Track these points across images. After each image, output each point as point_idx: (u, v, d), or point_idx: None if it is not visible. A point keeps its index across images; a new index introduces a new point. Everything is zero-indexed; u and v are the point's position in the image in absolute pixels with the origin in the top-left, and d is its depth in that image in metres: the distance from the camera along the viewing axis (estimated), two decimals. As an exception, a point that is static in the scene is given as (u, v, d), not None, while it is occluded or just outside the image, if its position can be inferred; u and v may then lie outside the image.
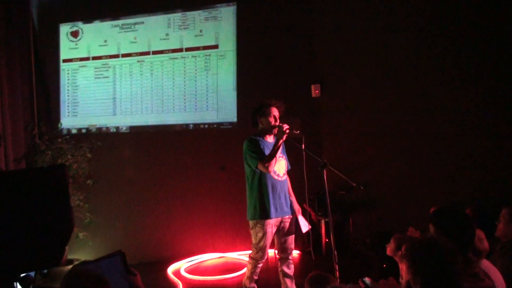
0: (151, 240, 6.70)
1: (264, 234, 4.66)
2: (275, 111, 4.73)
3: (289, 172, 4.90)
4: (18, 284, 2.13)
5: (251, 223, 4.78)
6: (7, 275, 2.08)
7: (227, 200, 6.72)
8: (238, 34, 6.90)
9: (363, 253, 5.55)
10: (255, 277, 4.88)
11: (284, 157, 4.85)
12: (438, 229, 2.84)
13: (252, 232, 4.78)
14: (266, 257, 4.81)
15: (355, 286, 2.00)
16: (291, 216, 4.83)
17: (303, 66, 6.86)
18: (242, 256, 6.67)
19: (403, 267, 4.11)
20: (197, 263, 6.62)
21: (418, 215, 4.69)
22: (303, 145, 4.62)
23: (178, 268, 6.37)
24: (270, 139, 4.76)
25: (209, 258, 6.77)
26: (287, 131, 4.53)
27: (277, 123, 4.69)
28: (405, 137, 6.23)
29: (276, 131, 4.63)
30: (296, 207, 4.88)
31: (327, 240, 6.39)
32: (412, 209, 5.64)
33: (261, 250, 4.71)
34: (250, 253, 4.86)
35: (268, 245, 4.73)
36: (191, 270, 6.33)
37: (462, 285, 2.34)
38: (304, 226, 4.86)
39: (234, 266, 6.40)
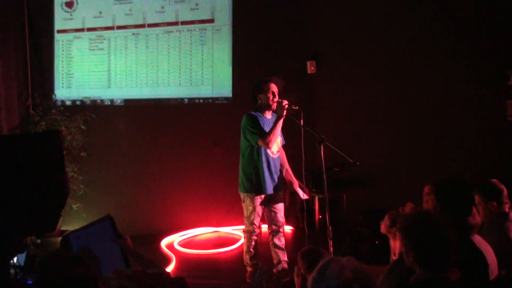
0: (145, 213, 6.71)
1: (254, 207, 4.77)
2: (273, 87, 4.75)
3: (284, 148, 4.93)
4: (13, 248, 2.13)
5: (242, 196, 4.89)
6: (3, 239, 2.08)
7: (220, 175, 6.72)
8: (234, 9, 6.84)
9: (356, 229, 5.57)
10: (252, 250, 4.93)
11: (280, 133, 4.87)
12: (439, 201, 2.86)
13: (243, 205, 4.88)
14: (259, 230, 4.91)
15: (351, 258, 1.99)
16: (282, 191, 4.90)
17: (299, 42, 6.83)
18: (235, 230, 6.70)
19: (395, 244, 4.14)
20: (190, 237, 6.65)
21: (412, 192, 4.72)
22: (301, 121, 4.62)
23: (172, 241, 6.39)
24: (269, 115, 4.80)
25: (203, 232, 6.80)
26: (286, 106, 4.55)
27: (276, 99, 4.70)
28: (401, 114, 6.24)
29: (275, 107, 4.64)
30: (294, 179, 4.93)
31: (320, 216, 6.43)
32: (406, 186, 5.66)
33: (253, 223, 4.81)
34: (243, 227, 4.92)
35: (258, 218, 4.84)
36: (184, 244, 6.36)
37: (453, 259, 2.36)
38: (303, 195, 4.91)
39: (227, 241, 6.45)
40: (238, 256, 5.92)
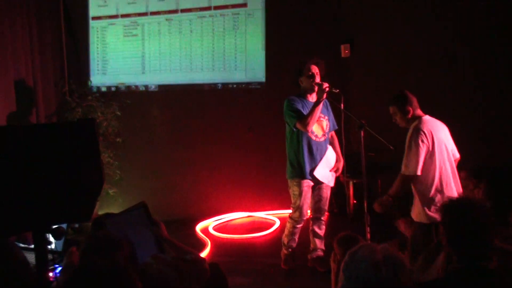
0: (179, 198, 6.76)
1: (300, 193, 4.71)
2: (314, 68, 4.68)
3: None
4: (50, 235, 2.16)
5: (288, 182, 4.84)
6: (40, 226, 2.11)
7: (255, 160, 6.73)
8: (267, -8, 6.79)
9: (391, 216, 5.52)
10: (295, 238, 4.93)
11: (326, 117, 4.82)
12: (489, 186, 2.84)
13: (290, 191, 4.84)
14: (304, 218, 4.84)
15: (388, 245, 1.98)
16: None
17: (332, 25, 6.74)
18: (269, 215, 6.71)
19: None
20: (225, 221, 6.69)
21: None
22: (342, 105, 4.58)
23: (206, 226, 6.44)
24: (312, 98, 4.72)
25: (237, 217, 6.83)
26: (327, 89, 4.49)
27: (317, 81, 4.63)
28: (435, 97, 6.10)
29: (316, 90, 4.58)
30: (337, 165, 4.92)
31: (355, 201, 6.38)
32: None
33: (298, 210, 4.76)
34: (290, 213, 4.90)
35: (305, 205, 4.76)
36: (219, 229, 6.40)
37: (493, 246, 2.32)
38: (326, 179, 4.83)
39: (261, 225, 6.46)
40: (272, 241, 5.94)
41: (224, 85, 6.95)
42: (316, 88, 4.58)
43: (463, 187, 4.45)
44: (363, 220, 4.39)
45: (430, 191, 3.94)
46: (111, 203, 6.63)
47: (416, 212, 4.04)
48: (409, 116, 4.05)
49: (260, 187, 6.69)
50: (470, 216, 2.36)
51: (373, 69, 6.55)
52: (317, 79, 4.64)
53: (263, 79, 6.81)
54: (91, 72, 7.22)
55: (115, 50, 7.23)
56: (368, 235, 4.51)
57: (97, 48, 7.26)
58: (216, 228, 6.39)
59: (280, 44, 6.70)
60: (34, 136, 2.07)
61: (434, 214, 3.85)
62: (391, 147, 4.63)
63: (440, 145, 3.98)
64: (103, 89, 7.17)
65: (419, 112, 4.10)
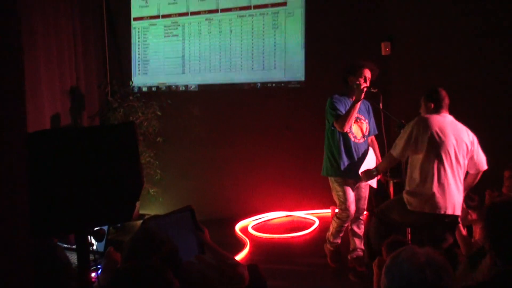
0: (219, 197, 6.80)
1: (344, 192, 4.69)
2: (367, 72, 4.65)
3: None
4: (92, 237, 2.20)
5: (329, 179, 4.84)
6: (81, 229, 2.15)
7: (294, 159, 6.72)
8: (307, -9, 6.76)
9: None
10: (340, 235, 4.94)
11: (366, 120, 4.80)
12: None
13: (333, 192, 4.84)
14: (351, 217, 4.80)
15: (429, 249, 1.96)
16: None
17: (373, 23, 6.66)
18: (309, 215, 6.69)
19: (476, 229, 4.02)
20: (264, 221, 6.69)
21: (491, 177, 4.54)
22: (380, 104, 4.55)
23: (246, 225, 6.46)
24: None
25: (276, 216, 6.82)
26: (365, 89, 4.46)
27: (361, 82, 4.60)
28: (476, 97, 5.96)
29: (355, 88, 4.56)
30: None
31: (395, 201, 6.30)
32: (485, 171, 5.45)
33: (347, 211, 4.73)
34: (337, 212, 4.89)
35: (352, 205, 4.73)
36: (258, 228, 6.41)
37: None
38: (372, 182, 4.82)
39: (300, 225, 6.45)
40: (311, 241, 5.93)
41: (263, 84, 6.95)
42: (355, 87, 4.56)
43: (507, 186, 4.39)
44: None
45: (415, 182, 4.08)
46: (152, 202, 6.73)
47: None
48: (430, 110, 4.18)
49: (299, 187, 6.67)
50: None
51: (414, 68, 6.45)
52: (367, 84, 4.61)
53: (302, 78, 6.78)
54: (133, 73, 7.34)
55: (156, 50, 7.32)
56: (409, 236, 4.48)
57: (139, 48, 7.36)
58: (255, 228, 6.40)
59: (319, 43, 6.67)
60: (76, 140, 2.11)
61: (416, 203, 4.04)
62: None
63: (442, 143, 4.00)
64: (144, 89, 7.27)
65: (442, 111, 4.18)
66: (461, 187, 4.09)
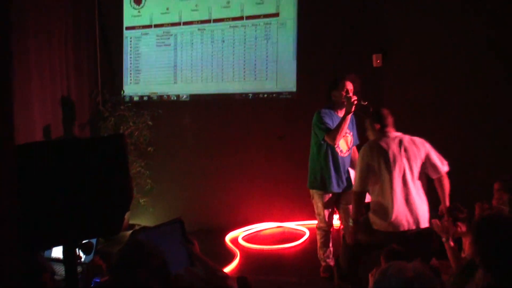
0: (209, 208, 6.78)
1: (323, 204, 4.75)
2: (348, 85, 4.71)
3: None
4: (80, 250, 2.19)
5: (311, 192, 4.89)
6: (69, 242, 2.14)
7: (285, 170, 6.71)
8: (299, 2, 6.77)
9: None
10: (330, 248, 4.97)
11: (351, 133, 4.86)
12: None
13: (313, 202, 4.90)
14: (331, 226, 4.90)
15: (418, 261, 1.96)
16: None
17: (364, 35, 6.68)
18: (300, 226, 6.67)
19: (465, 241, 4.02)
20: (254, 232, 6.67)
21: (481, 189, 4.56)
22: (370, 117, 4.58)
23: (236, 236, 6.44)
24: (341, 113, 4.74)
25: (267, 227, 6.80)
26: (355, 102, 4.50)
27: (348, 95, 4.64)
28: (470, 109, 6.00)
29: (345, 103, 4.60)
30: None
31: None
32: (475, 183, 5.47)
33: (323, 220, 4.82)
34: (316, 224, 4.97)
35: (327, 214, 4.83)
36: (248, 239, 6.39)
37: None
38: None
39: (291, 236, 6.42)
40: (302, 252, 5.92)
41: (255, 94, 6.95)
42: (345, 101, 4.60)
43: (496, 199, 4.42)
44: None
45: (379, 203, 4.10)
46: (142, 212, 6.70)
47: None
48: (377, 131, 4.22)
49: (290, 197, 6.66)
50: (503, 232, 2.32)
51: (405, 80, 6.47)
52: (350, 95, 4.65)
53: (294, 89, 6.79)
54: (124, 82, 7.32)
55: (148, 59, 7.32)
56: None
57: (130, 57, 7.36)
58: (245, 239, 6.38)
59: (311, 54, 6.67)
60: (63, 152, 2.09)
61: (380, 223, 4.06)
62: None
63: (395, 162, 4.04)
64: (136, 98, 7.26)
65: (388, 129, 4.23)
66: (424, 198, 4.16)
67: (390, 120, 4.25)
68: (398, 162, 4.04)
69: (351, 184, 4.81)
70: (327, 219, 4.84)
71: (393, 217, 3.99)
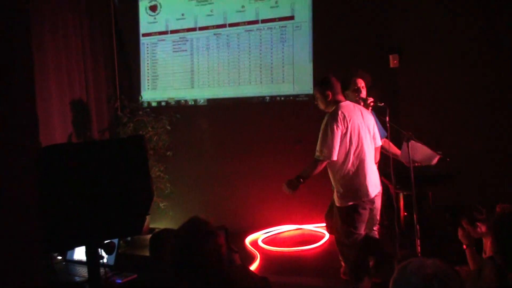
0: (229, 211, 6.79)
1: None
2: (360, 82, 4.67)
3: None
4: (102, 250, 2.22)
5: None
6: (92, 241, 2.17)
7: (303, 172, 6.70)
8: (314, 4, 6.78)
9: (443, 228, 5.40)
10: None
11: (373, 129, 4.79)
12: None
13: None
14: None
15: (436, 259, 1.95)
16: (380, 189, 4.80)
17: (381, 36, 6.67)
18: (319, 228, 6.66)
19: (486, 242, 3.99)
20: (274, 234, 6.67)
21: (501, 190, 4.52)
22: (387, 118, 4.55)
23: (256, 239, 6.45)
24: None
25: (286, 229, 6.81)
26: (372, 104, 4.48)
27: (362, 95, 4.62)
28: (488, 107, 5.96)
29: (362, 105, 4.57)
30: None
31: (405, 214, 6.27)
32: (496, 182, 5.42)
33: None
34: None
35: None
36: (268, 241, 6.40)
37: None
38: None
39: (311, 238, 6.42)
40: (322, 254, 5.91)
41: (272, 97, 6.97)
42: (361, 103, 4.57)
43: None
44: (413, 233, 4.33)
45: (345, 175, 4.29)
46: (162, 216, 6.74)
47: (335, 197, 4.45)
48: (329, 99, 4.37)
49: (309, 200, 6.64)
50: None
51: (422, 80, 6.45)
52: (363, 93, 4.62)
53: (311, 91, 6.79)
54: (142, 88, 7.40)
55: (165, 65, 7.38)
56: (419, 248, 4.45)
57: (147, 64, 7.43)
58: (265, 241, 6.39)
59: (327, 56, 6.67)
60: (86, 154, 2.13)
61: (348, 197, 4.31)
62: (447, 159, 4.58)
63: (356, 129, 4.24)
64: (154, 104, 7.33)
65: (339, 97, 4.39)
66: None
67: (339, 87, 4.43)
68: (361, 131, 4.28)
69: (378, 183, 4.79)
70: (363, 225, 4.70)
71: (364, 186, 4.32)
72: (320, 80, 4.49)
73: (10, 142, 1.46)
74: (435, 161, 4.75)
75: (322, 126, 4.32)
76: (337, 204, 4.43)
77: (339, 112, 4.26)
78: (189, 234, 2.43)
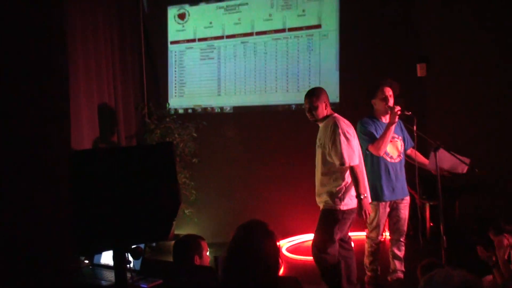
0: (253, 218, 6.79)
1: (376, 214, 4.67)
2: (387, 91, 4.65)
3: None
4: (129, 255, 2.25)
5: None
6: (119, 246, 2.20)
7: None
8: (341, 13, 6.79)
9: (470, 239, 5.34)
10: (377, 258, 4.89)
11: (400, 137, 4.76)
12: None
13: None
14: (381, 237, 4.79)
15: (463, 271, 1.93)
16: (406, 198, 4.76)
17: (408, 44, 6.64)
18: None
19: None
20: (298, 243, 6.66)
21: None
22: (414, 127, 4.52)
23: (280, 247, 6.42)
24: (385, 119, 4.68)
25: (310, 238, 6.76)
26: (399, 112, 4.45)
27: (390, 104, 4.61)
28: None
29: (389, 113, 4.56)
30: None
31: (432, 224, 6.21)
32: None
33: (375, 230, 4.72)
34: (366, 233, 4.88)
35: (381, 225, 4.72)
36: (293, 250, 6.38)
37: None
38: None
39: (335, 247, 6.37)
40: (346, 263, 5.86)
41: (298, 106, 6.97)
42: (389, 111, 4.55)
43: None
44: (440, 243, 4.29)
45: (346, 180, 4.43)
46: (187, 223, 6.78)
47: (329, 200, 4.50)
48: (325, 109, 4.51)
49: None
50: None
51: (450, 89, 6.40)
52: (390, 102, 4.60)
53: (337, 100, 6.78)
54: (169, 95, 7.47)
55: (192, 73, 7.45)
56: (444, 259, 4.40)
57: (175, 71, 7.51)
58: (289, 250, 6.38)
59: (354, 64, 6.67)
60: (115, 159, 2.17)
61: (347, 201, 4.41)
62: (475, 169, 4.53)
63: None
64: (180, 111, 7.40)
65: (330, 110, 4.56)
66: None
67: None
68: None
69: (406, 191, 4.76)
70: (378, 230, 4.73)
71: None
72: (316, 91, 4.57)
73: (46, 146, 1.50)
74: (464, 169, 4.69)
75: (330, 136, 4.39)
76: (334, 207, 4.47)
77: (344, 120, 4.47)
78: (250, 229, 2.58)
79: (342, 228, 4.51)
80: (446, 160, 4.57)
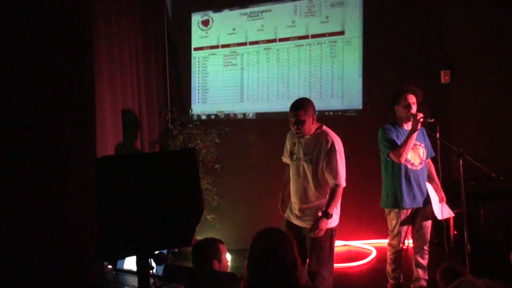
0: (275, 225, 6.70)
1: (398, 222, 4.66)
2: (411, 98, 4.63)
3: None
4: (152, 260, 2.27)
5: (385, 210, 4.81)
6: (143, 252, 2.22)
7: (350, 188, 6.60)
8: (364, 20, 6.76)
9: (494, 247, 5.28)
10: (399, 265, 4.87)
11: (422, 145, 4.73)
12: None
13: (387, 218, 4.81)
14: (402, 245, 4.77)
15: (488, 280, 1.90)
16: (429, 206, 4.73)
17: (432, 51, 6.60)
18: (366, 245, 6.60)
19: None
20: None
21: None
22: (437, 134, 4.50)
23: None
24: (407, 126, 4.67)
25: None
26: (421, 120, 4.43)
27: (413, 111, 4.59)
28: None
29: (411, 121, 4.55)
30: (440, 195, 4.75)
31: (455, 232, 6.15)
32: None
33: (396, 237, 4.72)
34: (388, 241, 4.89)
35: (402, 233, 4.71)
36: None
37: None
38: (439, 213, 4.67)
39: (357, 255, 6.36)
40: (369, 271, 5.85)
41: (321, 112, 6.95)
42: (411, 119, 4.53)
43: None
44: (464, 251, 4.26)
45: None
46: (209, 229, 6.79)
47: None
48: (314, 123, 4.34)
49: (356, 216, 6.60)
50: None
51: (474, 96, 6.34)
52: (413, 109, 4.58)
53: (360, 107, 6.77)
54: (192, 101, 7.52)
55: (215, 79, 7.49)
56: (468, 267, 4.36)
57: (198, 77, 7.55)
58: (311, 256, 6.35)
59: (377, 71, 6.64)
60: (140, 165, 2.19)
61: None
62: (492, 175, 4.48)
63: None
64: (203, 117, 7.43)
65: (316, 122, 4.40)
66: None
67: None
68: None
69: (429, 199, 4.73)
70: (400, 237, 4.73)
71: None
72: (303, 104, 4.30)
73: (73, 153, 1.52)
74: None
75: (325, 154, 4.25)
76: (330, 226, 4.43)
77: (335, 135, 4.38)
78: (274, 232, 2.67)
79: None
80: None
